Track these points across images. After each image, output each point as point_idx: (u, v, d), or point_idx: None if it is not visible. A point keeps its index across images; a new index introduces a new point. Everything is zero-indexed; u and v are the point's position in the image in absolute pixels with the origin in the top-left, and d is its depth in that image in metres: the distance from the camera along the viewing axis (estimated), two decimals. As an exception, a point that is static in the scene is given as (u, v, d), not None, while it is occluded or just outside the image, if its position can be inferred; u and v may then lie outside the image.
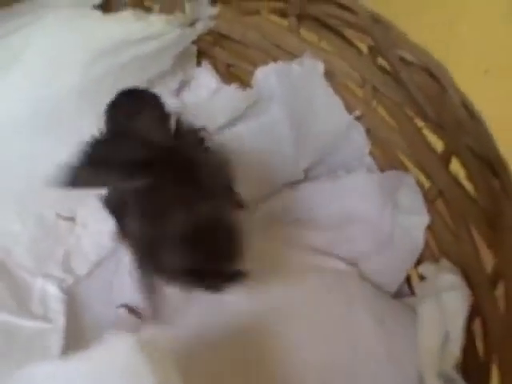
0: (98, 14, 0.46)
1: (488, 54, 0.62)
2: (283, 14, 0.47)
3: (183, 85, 0.50)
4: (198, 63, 0.52)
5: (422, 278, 0.42)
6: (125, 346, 0.26)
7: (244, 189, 0.45)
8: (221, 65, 0.52)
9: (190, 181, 0.31)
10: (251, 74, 0.49)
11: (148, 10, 0.49)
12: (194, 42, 0.50)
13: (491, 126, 0.36)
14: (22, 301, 0.39)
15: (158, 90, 0.47)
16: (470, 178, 0.39)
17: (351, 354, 0.38)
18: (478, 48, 0.62)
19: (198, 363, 0.33)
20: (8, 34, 0.43)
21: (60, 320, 0.39)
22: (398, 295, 0.44)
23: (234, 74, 0.52)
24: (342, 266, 0.43)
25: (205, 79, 0.51)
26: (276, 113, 0.47)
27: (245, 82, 0.50)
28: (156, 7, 0.48)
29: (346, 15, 0.42)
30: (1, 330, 0.37)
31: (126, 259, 0.43)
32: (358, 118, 0.47)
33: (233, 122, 0.46)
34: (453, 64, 0.39)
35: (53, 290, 0.40)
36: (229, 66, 0.52)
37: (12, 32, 0.43)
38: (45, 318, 0.39)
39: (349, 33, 0.44)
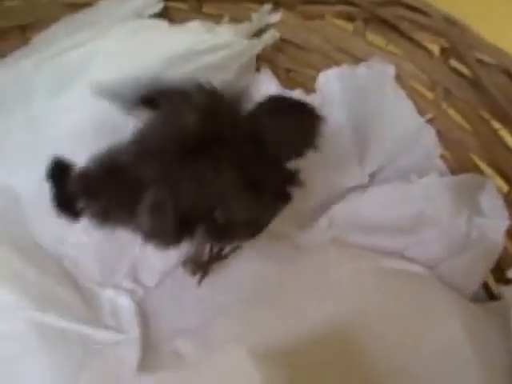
0: (165, 24, 0.45)
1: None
2: (349, 18, 0.46)
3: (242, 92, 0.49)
4: (257, 69, 0.51)
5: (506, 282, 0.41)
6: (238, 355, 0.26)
7: (308, 193, 0.45)
8: (281, 70, 0.51)
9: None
10: (313, 79, 0.49)
11: (215, 17, 0.48)
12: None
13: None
14: (92, 311, 0.39)
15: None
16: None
17: (439, 361, 0.37)
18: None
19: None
20: (75, 46, 0.43)
21: (135, 331, 0.38)
22: (474, 299, 0.42)
23: (293, 80, 0.51)
24: (416, 268, 0.42)
25: (264, 85, 0.50)
26: (339, 117, 0.47)
27: (306, 87, 0.49)
28: (226, 17, 0.47)
29: (418, 17, 0.42)
30: (75, 340, 0.37)
31: None
32: (429, 121, 0.46)
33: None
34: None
35: (125, 301, 0.40)
36: (289, 71, 0.51)
37: (79, 44, 0.43)
38: (118, 329, 0.39)
39: (419, 35, 0.43)
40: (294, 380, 0.32)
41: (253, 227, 0.36)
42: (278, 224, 0.38)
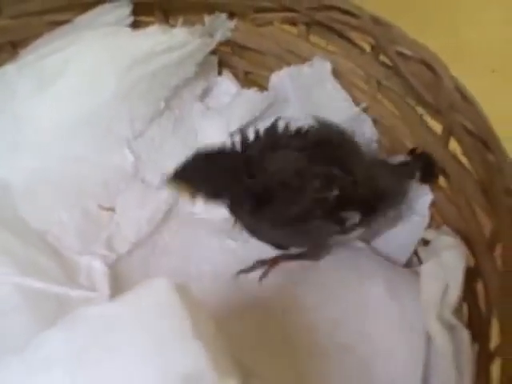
0: (128, 30, 0.52)
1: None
2: (293, 23, 0.52)
3: (206, 92, 0.56)
4: (219, 73, 0.57)
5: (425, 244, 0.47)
6: (163, 288, 0.31)
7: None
8: (240, 73, 0.58)
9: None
10: (268, 79, 0.55)
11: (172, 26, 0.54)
12: (214, 53, 0.55)
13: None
14: (71, 275, 0.44)
15: (184, 95, 0.53)
16: (466, 153, 0.44)
17: (362, 315, 0.42)
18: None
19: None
20: (53, 52, 0.49)
21: (105, 289, 0.44)
22: (407, 266, 0.48)
23: (252, 81, 0.57)
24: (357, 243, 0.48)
25: (226, 85, 0.56)
26: (291, 111, 0.52)
27: (262, 87, 0.56)
28: (179, 21, 0.53)
29: (350, 19, 0.48)
30: (53, 299, 0.42)
31: (161, 243, 0.49)
32: (364, 110, 0.52)
33: (253, 122, 0.52)
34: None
35: (98, 265, 0.45)
36: (247, 73, 0.58)
37: (57, 51, 0.49)
38: (91, 289, 0.44)
39: (352, 35, 0.49)
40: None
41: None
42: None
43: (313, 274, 0.44)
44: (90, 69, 0.49)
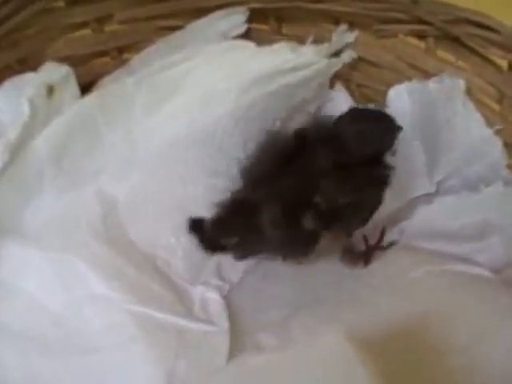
0: (252, 45, 0.49)
1: None
2: (421, 36, 0.49)
3: (320, 109, 0.53)
4: (331, 85, 0.54)
5: None
6: (335, 339, 0.28)
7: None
8: (353, 85, 0.54)
9: None
10: (383, 93, 0.51)
11: (296, 38, 0.51)
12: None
13: None
14: (184, 305, 0.43)
15: (299, 116, 0.51)
16: None
17: (506, 360, 0.38)
18: None
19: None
20: (170, 66, 0.47)
21: (224, 322, 0.42)
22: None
23: (365, 95, 0.54)
24: (483, 272, 0.45)
25: (339, 100, 0.53)
26: (409, 129, 0.49)
27: (378, 102, 0.52)
28: (309, 38, 0.50)
29: (489, 34, 0.44)
30: (175, 330, 0.40)
31: (271, 269, 0.47)
32: (496, 132, 0.48)
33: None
34: None
35: (214, 296, 0.44)
36: (359, 85, 0.54)
37: (175, 64, 0.47)
38: (209, 322, 0.42)
39: (489, 51, 0.46)
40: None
41: (358, 212, 0.41)
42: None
43: (455, 310, 0.41)
44: (208, 85, 0.46)
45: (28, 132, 0.43)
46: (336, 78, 0.53)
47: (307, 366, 0.28)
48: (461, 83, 0.48)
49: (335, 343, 0.29)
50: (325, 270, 0.47)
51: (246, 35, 0.51)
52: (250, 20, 0.51)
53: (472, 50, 0.47)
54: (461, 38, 0.46)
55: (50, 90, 0.44)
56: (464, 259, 0.46)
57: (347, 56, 0.51)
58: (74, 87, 0.47)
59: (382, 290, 0.43)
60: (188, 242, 0.46)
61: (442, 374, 0.38)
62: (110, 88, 0.47)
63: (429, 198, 0.50)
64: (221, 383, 0.30)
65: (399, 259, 0.46)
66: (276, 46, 0.48)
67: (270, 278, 0.47)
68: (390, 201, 0.48)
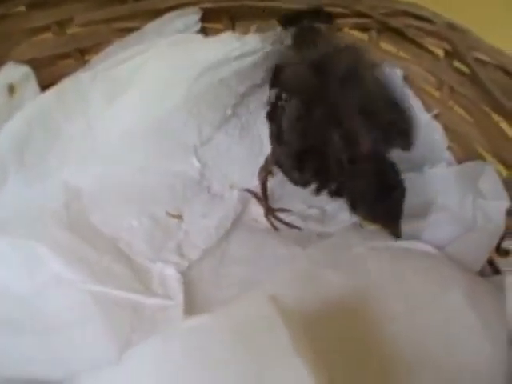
0: (200, 37, 0.52)
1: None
2: (364, 29, 0.52)
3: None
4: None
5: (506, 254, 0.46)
6: (260, 301, 0.30)
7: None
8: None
9: None
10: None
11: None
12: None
13: None
14: (144, 283, 0.44)
15: (251, 103, 0.53)
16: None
17: (445, 327, 0.41)
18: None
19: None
20: (125, 60, 0.50)
21: (180, 297, 0.43)
22: (481, 275, 0.47)
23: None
24: (429, 249, 0.47)
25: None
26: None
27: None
28: (252, 28, 0.53)
29: (425, 25, 0.47)
30: (131, 306, 0.42)
31: (229, 251, 0.50)
32: (435, 117, 0.51)
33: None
34: None
35: (172, 272, 0.45)
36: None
37: (128, 59, 0.50)
38: (165, 296, 0.44)
39: (426, 41, 0.49)
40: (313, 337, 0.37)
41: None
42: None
43: (394, 282, 0.43)
44: (161, 77, 0.49)
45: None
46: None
47: (230, 325, 0.30)
48: (399, 71, 0.50)
49: (258, 303, 0.30)
50: (277, 252, 0.49)
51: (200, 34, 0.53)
52: (204, 19, 0.53)
53: (411, 41, 0.49)
54: (400, 29, 0.49)
55: (11, 89, 0.47)
56: (409, 236, 0.48)
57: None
58: (34, 85, 0.49)
59: (328, 266, 0.45)
60: (150, 224, 0.48)
61: (380, 340, 0.40)
62: (66, 83, 0.49)
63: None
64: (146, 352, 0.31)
65: (347, 236, 0.49)
66: (223, 36, 0.50)
67: (227, 258, 0.49)
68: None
